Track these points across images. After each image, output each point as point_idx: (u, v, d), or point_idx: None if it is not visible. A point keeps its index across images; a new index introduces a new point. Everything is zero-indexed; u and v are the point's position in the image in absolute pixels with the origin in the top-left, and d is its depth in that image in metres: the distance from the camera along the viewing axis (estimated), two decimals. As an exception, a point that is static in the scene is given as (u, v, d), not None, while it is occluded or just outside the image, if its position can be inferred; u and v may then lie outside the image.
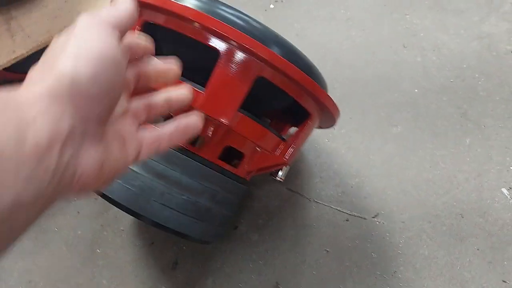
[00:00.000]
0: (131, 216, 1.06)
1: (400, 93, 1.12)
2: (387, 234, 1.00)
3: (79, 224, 1.07)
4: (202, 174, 0.76)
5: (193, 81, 0.72)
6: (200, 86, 0.70)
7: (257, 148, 0.81)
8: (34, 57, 1.01)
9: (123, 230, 1.06)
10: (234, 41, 0.65)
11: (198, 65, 0.71)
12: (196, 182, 0.76)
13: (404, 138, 1.08)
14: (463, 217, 1.00)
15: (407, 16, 1.19)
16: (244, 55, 0.67)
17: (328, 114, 0.80)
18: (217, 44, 0.67)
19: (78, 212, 1.08)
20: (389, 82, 1.13)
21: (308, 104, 0.76)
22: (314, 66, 0.76)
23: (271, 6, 1.23)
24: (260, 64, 0.68)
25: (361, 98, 1.09)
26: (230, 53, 0.67)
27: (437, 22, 1.17)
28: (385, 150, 1.07)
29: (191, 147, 0.77)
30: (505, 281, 0.95)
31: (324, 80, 0.79)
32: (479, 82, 1.12)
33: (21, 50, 0.97)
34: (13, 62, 0.97)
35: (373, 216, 1.02)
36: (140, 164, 0.73)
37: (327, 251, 1.00)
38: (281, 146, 0.83)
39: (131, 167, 0.72)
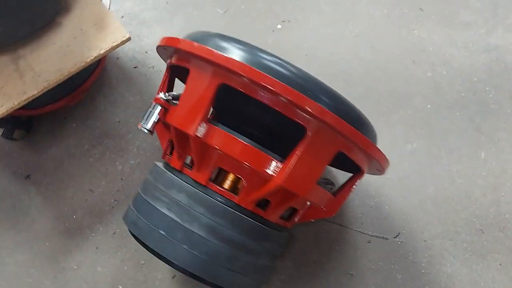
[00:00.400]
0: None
1: (413, 110, 1.12)
2: (410, 253, 1.01)
3: (98, 260, 1.05)
4: (264, 235, 0.78)
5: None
6: (278, 157, 0.71)
7: (309, 203, 0.84)
8: (47, 93, 0.99)
9: (143, 264, 1.04)
10: (327, 122, 0.66)
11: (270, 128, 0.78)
12: (259, 244, 0.78)
13: (419, 155, 1.08)
14: (483, 233, 1.01)
15: (415, 31, 1.18)
16: (332, 132, 0.69)
17: (378, 166, 0.81)
18: (306, 122, 0.67)
19: (97, 248, 1.06)
20: (401, 99, 1.13)
21: (362, 164, 0.79)
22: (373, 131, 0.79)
23: (279, 26, 1.22)
24: (341, 139, 0.70)
25: (375, 117, 1.08)
26: (318, 131, 0.68)
27: (445, 36, 1.17)
28: (402, 168, 1.07)
29: (257, 210, 0.78)
30: (528, 295, 0.96)
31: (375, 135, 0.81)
32: (490, 95, 1.12)
33: (32, 91, 0.94)
34: (24, 103, 0.94)
35: (394, 236, 1.02)
36: (207, 230, 0.73)
37: (351, 274, 1.00)
38: (332, 201, 0.84)
39: (198, 232, 0.72)
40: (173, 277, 1.02)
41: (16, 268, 1.06)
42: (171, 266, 0.92)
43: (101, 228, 1.08)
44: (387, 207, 1.05)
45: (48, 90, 0.99)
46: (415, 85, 1.15)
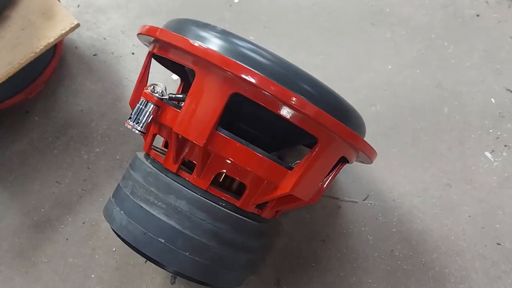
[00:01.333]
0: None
1: (374, 72, 1.11)
2: (380, 214, 1.01)
3: (69, 251, 1.04)
4: (264, 232, 0.78)
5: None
6: (287, 165, 0.71)
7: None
8: (3, 87, 0.97)
9: (115, 250, 1.03)
10: (339, 135, 0.66)
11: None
12: (258, 242, 0.78)
13: (383, 116, 1.08)
14: (451, 187, 1.01)
15: (371, -7, 1.18)
16: (341, 141, 0.68)
17: (367, 159, 0.81)
18: (318, 133, 0.66)
19: (67, 239, 1.05)
20: (363, 62, 1.13)
21: (352, 158, 0.79)
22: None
23: (236, 0, 1.20)
24: (347, 146, 0.71)
25: (338, 83, 1.08)
26: (329, 142, 0.67)
27: (401, -4, 1.17)
28: (367, 131, 1.06)
29: (256, 210, 0.78)
30: (499, 244, 0.97)
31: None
32: (449, 51, 1.12)
33: (-18, 86, 0.92)
34: (-25, 98, 0.92)
35: (363, 199, 1.02)
36: (209, 235, 0.70)
37: (323, 240, 1.00)
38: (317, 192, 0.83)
39: (200, 238, 0.70)
40: (145, 262, 1.01)
41: (-14, 266, 1.05)
42: (167, 271, 0.90)
43: (70, 219, 1.07)
44: (354, 171, 1.04)
45: (5, 84, 0.97)
46: (375, 48, 1.14)
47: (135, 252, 1.02)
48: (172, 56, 0.70)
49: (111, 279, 1.01)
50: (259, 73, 0.61)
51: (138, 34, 0.76)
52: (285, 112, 0.64)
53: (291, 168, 0.70)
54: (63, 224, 1.06)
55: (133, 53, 1.22)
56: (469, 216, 0.99)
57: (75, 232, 1.05)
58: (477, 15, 1.15)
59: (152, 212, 0.70)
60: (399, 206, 1.01)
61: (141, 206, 0.71)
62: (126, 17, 1.26)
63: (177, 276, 0.99)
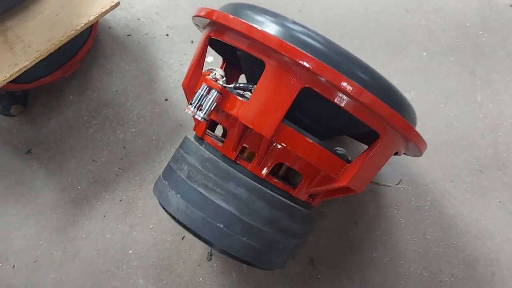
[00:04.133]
0: (159, 213, 1.06)
1: (409, 59, 1.12)
2: (412, 198, 1.03)
3: (106, 227, 1.06)
4: (312, 219, 0.82)
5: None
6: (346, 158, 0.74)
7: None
8: (40, 65, 0.97)
9: (152, 227, 1.06)
10: (401, 132, 0.68)
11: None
12: (306, 228, 0.81)
13: (418, 102, 1.09)
14: (482, 173, 1.03)
15: (406, -20, 1.18)
16: (398, 136, 0.71)
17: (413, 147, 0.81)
18: (382, 130, 0.68)
19: (104, 216, 1.07)
20: (397, 49, 1.14)
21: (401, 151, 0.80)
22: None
23: (269, -17, 1.21)
24: (403, 141, 0.73)
25: (371, 68, 1.09)
26: (390, 138, 0.70)
27: (436, -17, 1.17)
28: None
29: (308, 199, 0.80)
30: (529, 229, 0.99)
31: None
32: (483, 39, 1.13)
33: (23, 62, 0.93)
34: (17, 75, 0.93)
35: (397, 183, 1.04)
36: (265, 222, 0.73)
37: (356, 222, 1.03)
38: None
39: (256, 224, 0.72)
40: (182, 238, 1.04)
41: (24, 241, 1.07)
42: (213, 248, 0.92)
43: (107, 196, 1.09)
44: (388, 156, 1.06)
45: (41, 62, 0.98)
46: (410, 34, 1.15)
47: (172, 229, 1.05)
48: (235, 42, 0.70)
49: (148, 255, 1.03)
50: (335, 70, 0.62)
51: (196, 16, 0.76)
52: (355, 109, 0.66)
53: (349, 161, 0.72)
54: (100, 201, 1.09)
55: (167, 35, 1.22)
56: (500, 202, 1.01)
57: (112, 209, 1.08)
58: (511, 6, 1.16)
59: (211, 197, 0.72)
60: (431, 191, 1.03)
61: (199, 191, 0.72)
62: (160, -3, 1.26)
63: (213, 253, 1.02)
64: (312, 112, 0.78)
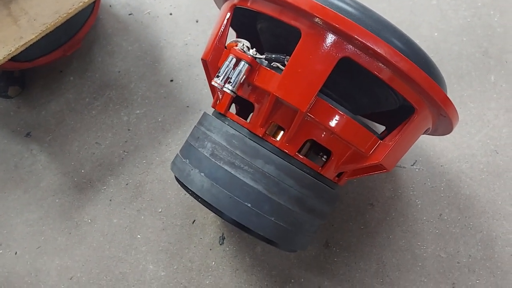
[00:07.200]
0: (167, 197, 1.02)
1: (421, 39, 1.11)
2: (428, 179, 1.01)
3: (113, 212, 1.02)
4: (337, 198, 0.78)
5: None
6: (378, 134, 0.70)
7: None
8: (41, 43, 0.92)
9: (161, 212, 1.02)
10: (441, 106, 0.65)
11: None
12: (331, 208, 0.77)
13: (430, 83, 1.08)
14: (497, 153, 1.02)
15: (417, -41, 1.16)
16: (432, 110, 0.68)
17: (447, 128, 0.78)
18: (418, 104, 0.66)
19: (110, 200, 1.03)
20: (409, 29, 1.12)
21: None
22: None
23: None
24: (437, 115, 0.70)
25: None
26: (425, 113, 0.67)
27: (447, -38, 1.16)
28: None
29: (335, 178, 0.77)
30: (545, 209, 0.99)
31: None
32: (495, 19, 1.12)
33: (29, 36, 0.88)
34: (22, 49, 0.88)
35: (412, 164, 1.03)
36: (294, 201, 0.69)
37: (372, 204, 1.01)
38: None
39: (285, 204, 0.69)
40: (193, 222, 1.00)
41: (27, 227, 1.02)
42: (237, 227, 0.85)
43: (112, 181, 1.05)
44: (402, 136, 1.05)
45: (43, 39, 0.93)
46: (421, 14, 1.13)
47: (181, 213, 1.01)
48: (265, 9, 0.65)
49: (158, 240, 0.99)
50: (379, 38, 0.59)
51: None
52: (397, 82, 0.63)
53: (381, 138, 0.69)
54: (105, 185, 1.04)
55: (170, 14, 1.18)
56: (516, 182, 1.00)
57: (118, 193, 1.03)
58: (522, -15, 1.15)
59: (238, 176, 0.68)
60: (447, 172, 1.02)
61: (225, 169, 0.68)
62: (163, -24, 1.22)
63: (225, 237, 0.98)
64: (342, 87, 0.74)
